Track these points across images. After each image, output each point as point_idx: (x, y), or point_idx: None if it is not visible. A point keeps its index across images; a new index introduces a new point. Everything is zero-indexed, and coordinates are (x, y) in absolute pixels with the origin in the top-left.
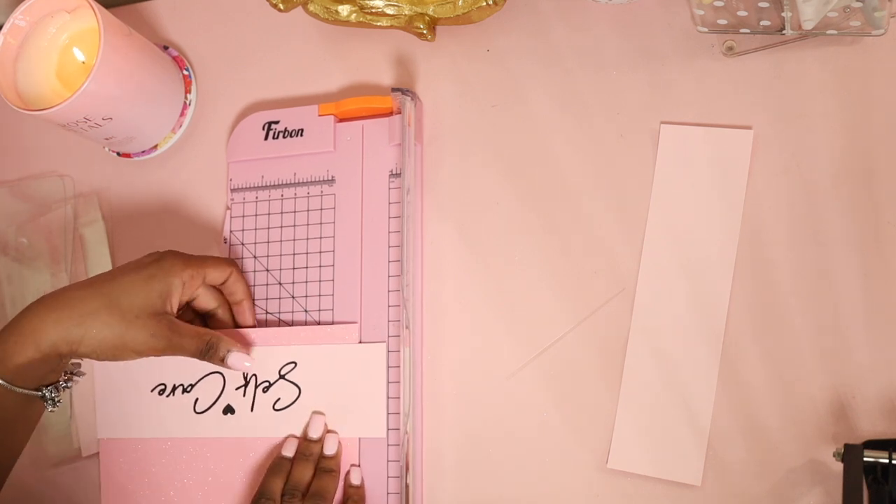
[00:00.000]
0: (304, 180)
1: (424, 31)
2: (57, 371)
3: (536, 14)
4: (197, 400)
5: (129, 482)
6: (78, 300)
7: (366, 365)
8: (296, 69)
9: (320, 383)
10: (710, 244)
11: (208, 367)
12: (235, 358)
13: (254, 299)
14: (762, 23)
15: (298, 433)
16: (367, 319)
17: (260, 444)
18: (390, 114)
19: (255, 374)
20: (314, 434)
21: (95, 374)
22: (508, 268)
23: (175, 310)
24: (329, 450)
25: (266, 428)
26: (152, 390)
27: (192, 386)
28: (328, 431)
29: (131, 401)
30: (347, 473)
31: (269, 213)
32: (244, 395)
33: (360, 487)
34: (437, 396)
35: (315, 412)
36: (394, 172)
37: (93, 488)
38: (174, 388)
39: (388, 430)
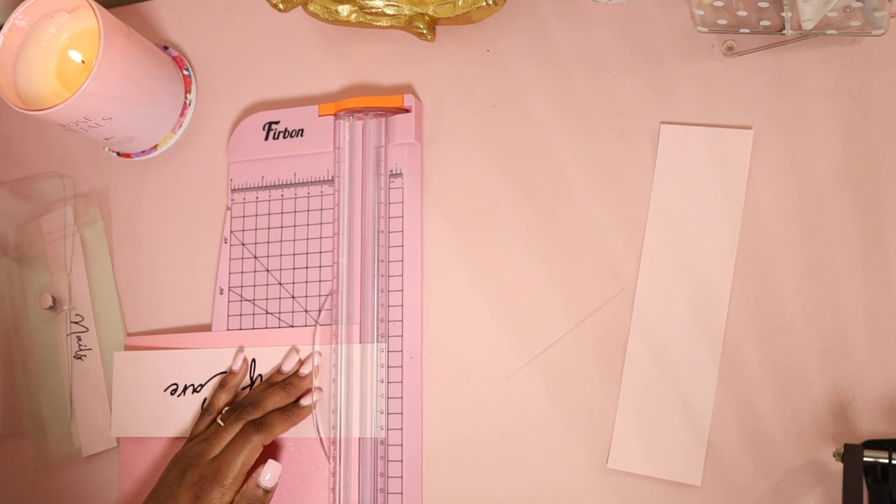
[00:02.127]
0: (305, 180)
1: (424, 31)
2: None
3: (536, 14)
4: (205, 400)
5: (147, 480)
6: None
7: (365, 365)
8: (296, 69)
9: (321, 383)
10: (710, 244)
11: (217, 367)
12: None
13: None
14: (762, 23)
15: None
16: (367, 319)
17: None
18: (390, 114)
19: (260, 375)
20: (286, 368)
21: (114, 373)
22: (508, 268)
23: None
24: (304, 370)
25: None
26: (165, 390)
27: (202, 386)
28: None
29: (146, 401)
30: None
31: (269, 214)
32: None
33: (305, 408)
34: (436, 396)
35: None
36: (393, 172)
37: (94, 488)
38: (185, 389)
39: (387, 430)
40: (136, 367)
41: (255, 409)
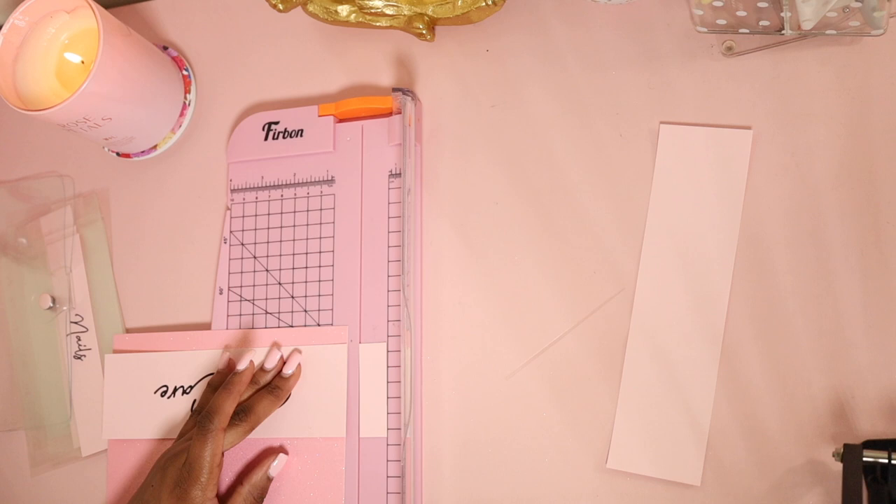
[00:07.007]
0: (304, 180)
1: (424, 32)
2: None
3: (536, 14)
4: (195, 401)
5: (134, 480)
6: None
7: (365, 365)
8: (296, 69)
9: (320, 383)
10: (709, 244)
11: (206, 368)
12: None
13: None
14: (761, 23)
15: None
16: (367, 319)
17: (259, 443)
18: (390, 114)
19: None
20: (269, 365)
21: (105, 375)
22: (508, 268)
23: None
24: (287, 369)
25: (264, 428)
26: (155, 392)
27: (192, 387)
28: (295, 351)
29: (136, 403)
30: (285, 364)
31: (268, 214)
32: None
33: (289, 379)
34: (436, 396)
35: (275, 345)
36: (393, 172)
37: (93, 488)
38: (175, 390)
39: (388, 429)
40: (127, 370)
41: (246, 413)
